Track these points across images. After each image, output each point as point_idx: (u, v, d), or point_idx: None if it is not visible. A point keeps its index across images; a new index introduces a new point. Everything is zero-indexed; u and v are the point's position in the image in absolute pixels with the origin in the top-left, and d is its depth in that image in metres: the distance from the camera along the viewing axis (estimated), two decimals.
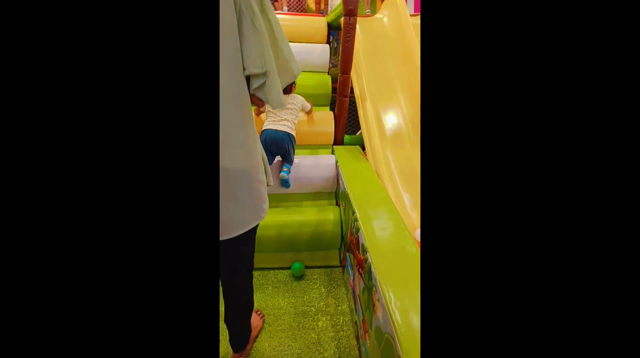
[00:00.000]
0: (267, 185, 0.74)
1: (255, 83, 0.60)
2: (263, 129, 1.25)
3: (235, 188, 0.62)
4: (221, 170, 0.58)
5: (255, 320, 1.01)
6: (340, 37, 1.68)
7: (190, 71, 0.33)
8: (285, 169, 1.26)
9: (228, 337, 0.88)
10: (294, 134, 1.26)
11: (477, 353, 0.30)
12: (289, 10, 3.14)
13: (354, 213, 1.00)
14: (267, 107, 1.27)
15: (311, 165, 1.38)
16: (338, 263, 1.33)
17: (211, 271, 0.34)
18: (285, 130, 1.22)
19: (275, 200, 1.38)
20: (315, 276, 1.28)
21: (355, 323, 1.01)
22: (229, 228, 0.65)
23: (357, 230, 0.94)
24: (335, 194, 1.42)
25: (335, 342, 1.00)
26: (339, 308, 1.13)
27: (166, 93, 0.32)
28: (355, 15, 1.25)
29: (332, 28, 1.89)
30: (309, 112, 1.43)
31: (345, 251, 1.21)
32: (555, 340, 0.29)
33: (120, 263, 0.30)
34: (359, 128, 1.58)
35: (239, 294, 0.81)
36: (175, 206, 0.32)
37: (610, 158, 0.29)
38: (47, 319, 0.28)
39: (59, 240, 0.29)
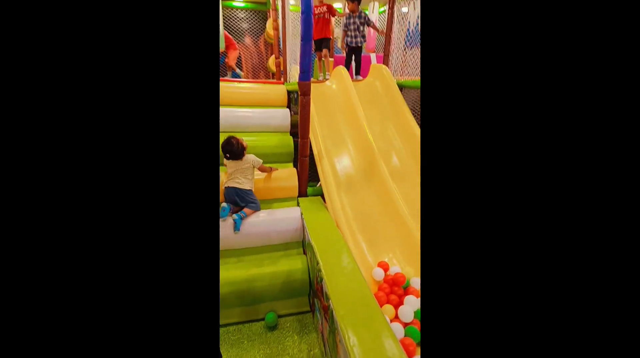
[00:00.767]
0: None
1: None
2: (226, 186, 1.53)
3: None
4: None
5: None
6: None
7: (194, 78, 0.32)
8: (241, 213, 1.49)
9: None
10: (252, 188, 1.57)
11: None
12: (251, 68, 3.49)
13: (317, 263, 1.17)
14: (229, 169, 1.57)
15: (280, 219, 1.55)
16: (308, 308, 1.44)
17: (211, 271, 0.33)
18: (240, 186, 1.54)
19: (249, 253, 1.49)
20: (288, 324, 1.37)
21: None
22: None
23: (321, 278, 1.10)
24: (302, 243, 1.57)
25: None
26: (311, 352, 1.23)
27: (172, 98, 0.32)
28: (308, 95, 1.54)
29: (291, 92, 2.20)
30: (261, 169, 1.65)
31: (313, 297, 1.34)
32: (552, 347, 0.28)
33: (121, 264, 0.30)
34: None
35: None
36: (176, 208, 0.31)
37: (607, 159, 0.27)
38: (53, 319, 0.27)
39: (62, 240, 0.28)
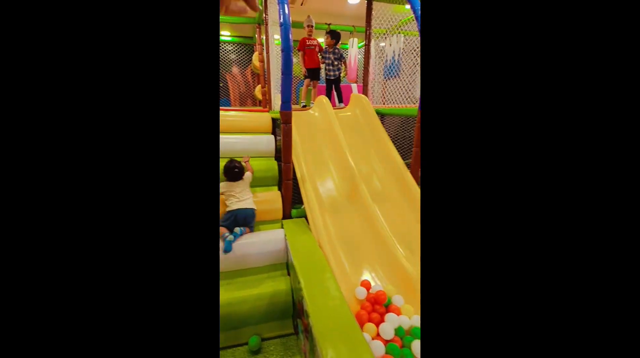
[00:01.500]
0: None
1: None
2: (230, 209, 1.58)
3: None
4: None
5: None
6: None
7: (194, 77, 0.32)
8: (234, 233, 1.54)
9: None
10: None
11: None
12: (239, 95, 3.65)
13: (299, 282, 1.20)
14: (231, 192, 1.63)
15: (264, 241, 1.59)
16: (292, 330, 1.44)
17: (212, 272, 0.33)
18: (251, 206, 1.62)
19: (233, 276, 1.51)
20: (272, 348, 1.36)
21: None
22: None
23: (302, 297, 1.14)
24: (287, 265, 1.60)
25: None
26: None
27: (172, 97, 0.31)
28: (290, 123, 1.65)
29: (276, 119, 2.33)
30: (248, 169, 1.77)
31: (296, 317, 1.35)
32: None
33: (122, 264, 0.29)
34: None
35: None
36: (176, 208, 0.32)
37: (607, 160, 0.27)
38: (50, 318, 0.27)
39: (62, 240, 0.28)
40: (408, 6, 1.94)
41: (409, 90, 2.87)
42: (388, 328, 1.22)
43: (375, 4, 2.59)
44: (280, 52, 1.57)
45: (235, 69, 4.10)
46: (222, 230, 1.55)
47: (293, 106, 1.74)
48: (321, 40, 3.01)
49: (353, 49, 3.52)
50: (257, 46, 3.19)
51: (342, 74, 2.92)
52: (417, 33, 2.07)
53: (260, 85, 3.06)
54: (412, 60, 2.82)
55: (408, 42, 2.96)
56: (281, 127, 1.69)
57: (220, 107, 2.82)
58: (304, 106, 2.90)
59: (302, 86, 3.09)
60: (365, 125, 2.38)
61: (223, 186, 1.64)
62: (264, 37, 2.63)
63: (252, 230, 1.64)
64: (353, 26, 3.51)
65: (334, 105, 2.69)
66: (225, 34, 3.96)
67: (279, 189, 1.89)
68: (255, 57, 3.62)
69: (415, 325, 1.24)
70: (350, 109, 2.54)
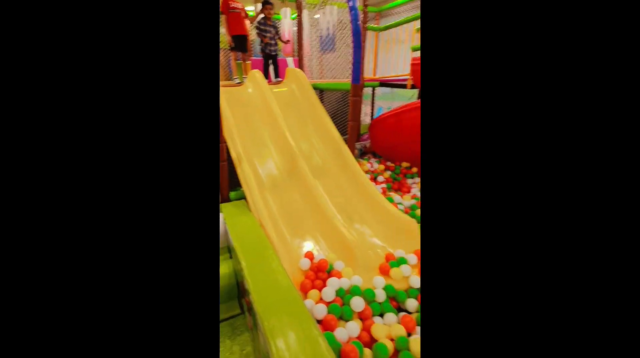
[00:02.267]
0: None
1: None
2: None
3: None
4: None
5: None
6: None
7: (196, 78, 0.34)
8: None
9: None
10: None
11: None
12: None
13: (239, 263, 1.19)
14: None
15: None
16: (239, 311, 1.45)
17: (212, 273, 0.34)
18: None
19: None
20: (221, 330, 1.36)
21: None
22: None
23: (243, 277, 1.14)
24: (228, 248, 1.57)
25: None
26: (244, 352, 1.25)
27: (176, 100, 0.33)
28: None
29: None
30: None
31: (241, 297, 1.36)
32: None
33: (123, 265, 0.30)
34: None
35: None
36: (177, 209, 0.33)
37: (606, 160, 0.27)
38: (58, 318, 0.27)
39: (65, 241, 0.28)
40: None
41: (346, 64, 2.89)
42: (329, 291, 1.31)
43: None
44: None
45: None
46: None
47: (225, 82, 1.62)
48: (250, 8, 2.78)
49: (286, 19, 3.36)
50: None
51: (278, 49, 2.75)
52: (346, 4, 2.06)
53: None
54: (346, 33, 2.82)
55: (343, 14, 2.93)
56: None
57: None
58: (239, 83, 2.69)
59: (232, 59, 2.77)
60: (303, 101, 2.35)
61: None
62: None
63: None
64: None
65: (269, 81, 2.58)
66: None
67: None
68: None
69: (355, 284, 1.35)
70: (286, 84, 2.47)
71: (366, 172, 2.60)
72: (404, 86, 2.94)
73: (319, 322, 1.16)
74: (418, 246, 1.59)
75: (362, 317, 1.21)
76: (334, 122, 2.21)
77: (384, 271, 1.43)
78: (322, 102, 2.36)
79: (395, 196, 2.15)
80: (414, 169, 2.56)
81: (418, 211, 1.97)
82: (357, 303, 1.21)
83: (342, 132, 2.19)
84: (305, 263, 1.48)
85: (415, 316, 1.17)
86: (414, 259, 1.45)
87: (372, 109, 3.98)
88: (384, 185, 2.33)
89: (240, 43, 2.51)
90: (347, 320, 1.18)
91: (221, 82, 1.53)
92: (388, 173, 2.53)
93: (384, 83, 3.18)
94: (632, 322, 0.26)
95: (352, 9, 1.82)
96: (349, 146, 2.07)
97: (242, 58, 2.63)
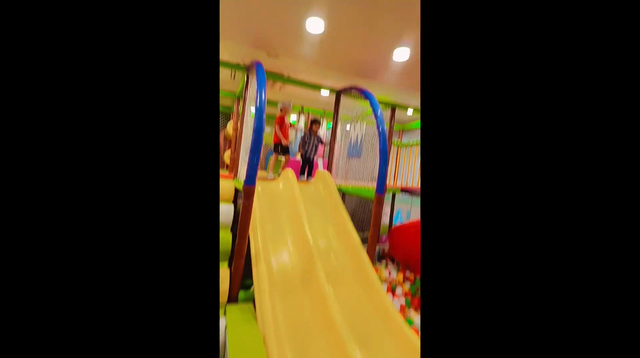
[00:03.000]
0: None
1: None
2: None
3: None
4: None
5: None
6: None
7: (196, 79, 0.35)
8: None
9: None
10: None
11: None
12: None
13: None
14: None
15: None
16: None
17: (212, 272, 0.33)
18: None
19: None
20: None
21: None
22: None
23: None
24: None
25: None
26: None
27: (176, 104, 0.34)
28: (251, 198, 1.64)
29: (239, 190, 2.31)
30: None
31: None
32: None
33: (123, 265, 0.29)
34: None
35: None
36: (177, 209, 0.32)
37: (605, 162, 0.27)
38: (58, 317, 0.27)
39: (68, 240, 0.28)
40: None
41: (370, 169, 3.12)
42: None
43: (342, 96, 2.99)
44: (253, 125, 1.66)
45: None
46: None
47: (261, 175, 1.76)
48: (293, 116, 3.27)
49: (322, 128, 3.89)
50: (233, 116, 3.37)
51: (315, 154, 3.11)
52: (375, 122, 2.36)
53: (230, 150, 3.12)
54: (373, 144, 3.16)
55: (370, 130, 3.35)
56: (242, 203, 1.66)
57: None
58: (272, 178, 2.94)
59: (271, 154, 3.15)
60: (327, 201, 2.45)
61: None
62: (241, 110, 2.81)
63: None
64: (323, 110, 3.95)
65: (298, 177, 2.78)
66: None
67: (229, 265, 1.75)
68: (229, 125, 3.79)
69: None
70: (314, 183, 2.65)
71: (383, 281, 2.41)
72: None
73: None
74: None
75: None
76: (352, 220, 2.22)
77: None
78: (343, 200, 2.44)
79: (416, 318, 1.90)
80: None
81: None
82: None
83: (358, 229, 2.16)
84: None
85: None
86: None
87: (392, 210, 4.02)
88: (402, 300, 2.12)
89: (282, 149, 2.96)
90: None
91: (258, 176, 1.66)
92: (407, 286, 2.33)
93: (405, 190, 3.31)
94: (630, 321, 0.25)
95: (381, 133, 2.08)
96: (369, 254, 2.00)
97: (284, 158, 3.00)
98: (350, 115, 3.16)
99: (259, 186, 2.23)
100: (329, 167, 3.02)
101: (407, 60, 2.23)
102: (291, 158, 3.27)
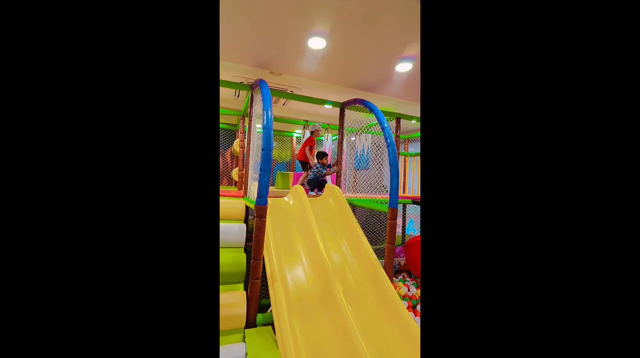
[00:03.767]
0: None
1: None
2: None
3: None
4: None
5: None
6: None
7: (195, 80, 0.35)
8: None
9: None
10: None
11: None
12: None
13: None
14: None
15: None
16: None
17: (212, 273, 0.33)
18: None
19: None
20: None
21: None
22: None
23: None
24: None
25: None
26: None
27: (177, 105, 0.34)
28: (264, 217, 1.62)
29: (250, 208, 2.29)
30: None
31: None
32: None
33: (124, 265, 0.29)
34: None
35: None
36: (178, 210, 0.32)
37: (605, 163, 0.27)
38: (62, 318, 0.27)
39: (70, 241, 0.28)
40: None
41: (378, 180, 3.09)
42: None
43: (346, 109, 3.01)
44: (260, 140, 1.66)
45: None
46: None
47: (270, 190, 1.75)
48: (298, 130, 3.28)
49: (327, 141, 3.89)
50: (239, 134, 3.40)
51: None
52: (382, 133, 2.36)
53: (237, 168, 3.13)
54: (380, 155, 3.14)
55: (375, 140, 3.35)
56: (254, 222, 1.64)
57: None
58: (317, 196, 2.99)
59: (277, 170, 3.21)
60: (338, 215, 2.42)
61: None
62: (247, 127, 2.83)
63: None
64: (328, 124, 3.97)
65: (310, 193, 2.77)
66: None
67: (245, 288, 1.71)
68: (236, 143, 3.82)
69: None
70: (324, 198, 2.62)
71: (403, 297, 2.34)
72: None
73: None
74: None
75: None
76: (364, 233, 2.18)
77: None
78: (354, 213, 2.41)
79: None
80: None
81: None
82: None
83: (371, 242, 2.11)
84: None
85: None
86: None
87: (404, 221, 3.96)
88: None
89: (304, 166, 3.34)
90: None
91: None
92: None
93: (416, 201, 3.26)
94: (629, 321, 0.25)
95: (390, 145, 2.07)
96: (386, 270, 1.94)
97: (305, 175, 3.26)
98: (356, 127, 3.17)
99: (270, 205, 2.21)
100: (337, 180, 3.00)
101: (411, 70, 2.25)
102: (296, 172, 3.32)
